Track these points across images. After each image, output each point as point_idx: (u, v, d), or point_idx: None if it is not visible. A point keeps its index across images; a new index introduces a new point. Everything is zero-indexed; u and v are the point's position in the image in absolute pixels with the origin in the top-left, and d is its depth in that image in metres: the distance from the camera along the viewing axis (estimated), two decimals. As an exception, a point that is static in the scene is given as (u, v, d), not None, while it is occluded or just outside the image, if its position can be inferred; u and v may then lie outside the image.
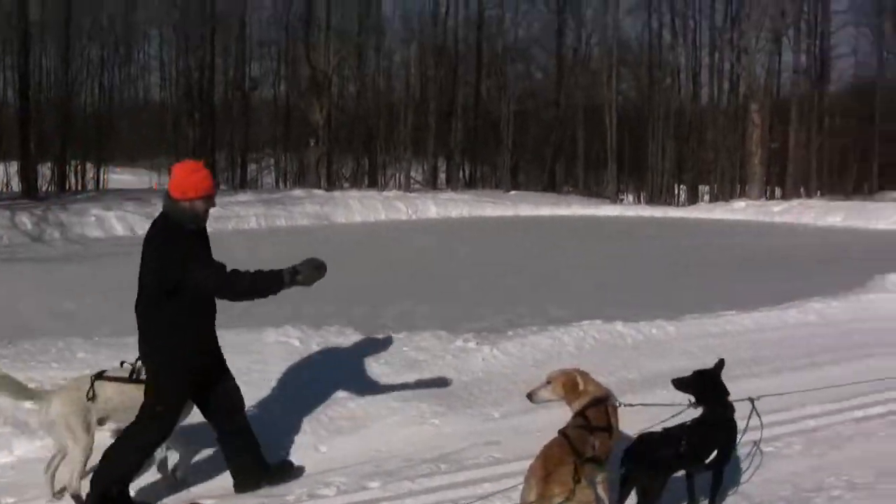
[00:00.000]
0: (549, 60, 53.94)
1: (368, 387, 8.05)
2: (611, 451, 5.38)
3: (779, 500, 6.01)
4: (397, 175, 48.64)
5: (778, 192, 48.68)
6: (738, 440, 5.81)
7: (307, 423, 6.74)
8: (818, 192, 47.92)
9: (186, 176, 5.80)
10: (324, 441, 7.17)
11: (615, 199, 46.93)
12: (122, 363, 6.21)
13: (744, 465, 6.55)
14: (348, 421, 7.42)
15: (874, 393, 8.51)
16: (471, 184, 49.52)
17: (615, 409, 5.71)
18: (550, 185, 49.85)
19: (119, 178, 45.91)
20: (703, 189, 49.65)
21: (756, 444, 6.65)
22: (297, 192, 36.40)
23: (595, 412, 5.44)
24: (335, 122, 45.48)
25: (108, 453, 5.79)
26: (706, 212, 37.97)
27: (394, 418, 7.56)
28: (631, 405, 5.98)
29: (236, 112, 47.38)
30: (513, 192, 43.03)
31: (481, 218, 34.44)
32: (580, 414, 5.52)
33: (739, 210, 37.27)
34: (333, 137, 44.87)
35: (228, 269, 5.70)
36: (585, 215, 36.43)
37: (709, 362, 8.67)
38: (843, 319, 12.06)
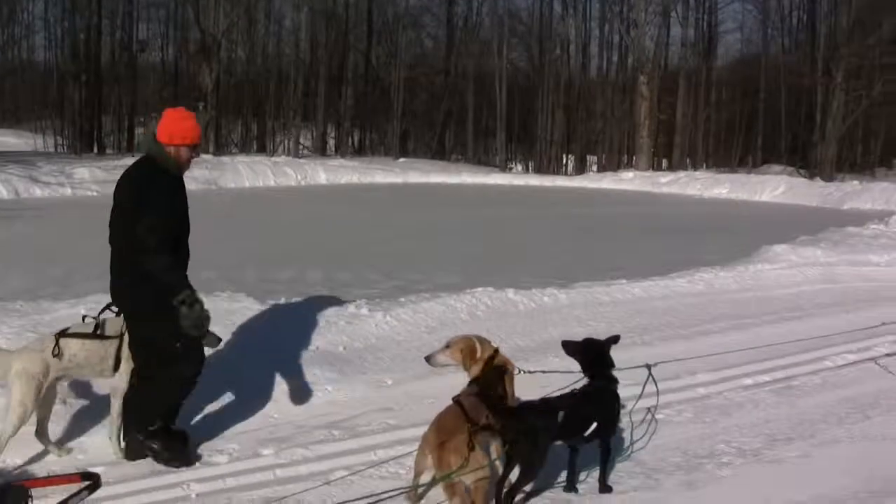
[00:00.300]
0: (440, 28, 53.96)
1: (261, 353, 7.91)
2: None
3: (670, 467, 6.10)
4: (286, 141, 48.23)
5: (665, 163, 49.66)
6: (620, 412, 5.84)
7: (198, 391, 6.60)
8: (704, 164, 49.08)
9: (176, 122, 5.93)
10: (215, 408, 7.03)
11: (504, 167, 47.26)
12: (83, 318, 6.14)
13: (637, 433, 6.63)
14: (240, 388, 7.28)
15: (762, 361, 8.75)
16: (360, 150, 49.24)
17: (511, 376, 5.74)
18: (440, 152, 49.90)
19: (1, 139, 44.49)
20: (592, 159, 50.32)
21: (651, 410, 6.78)
22: (186, 157, 35.67)
23: (488, 378, 5.53)
24: (224, 86, 44.91)
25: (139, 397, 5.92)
26: (594, 182, 38.47)
27: (286, 385, 7.45)
28: (530, 372, 6.01)
29: (123, 75, 46.22)
30: (402, 160, 42.85)
31: (371, 185, 34.29)
32: (475, 381, 5.52)
33: (627, 180, 37.85)
34: (222, 102, 44.24)
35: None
36: (475, 183, 36.52)
37: (600, 330, 8.90)
38: (731, 289, 12.34)
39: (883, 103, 47.91)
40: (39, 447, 6.05)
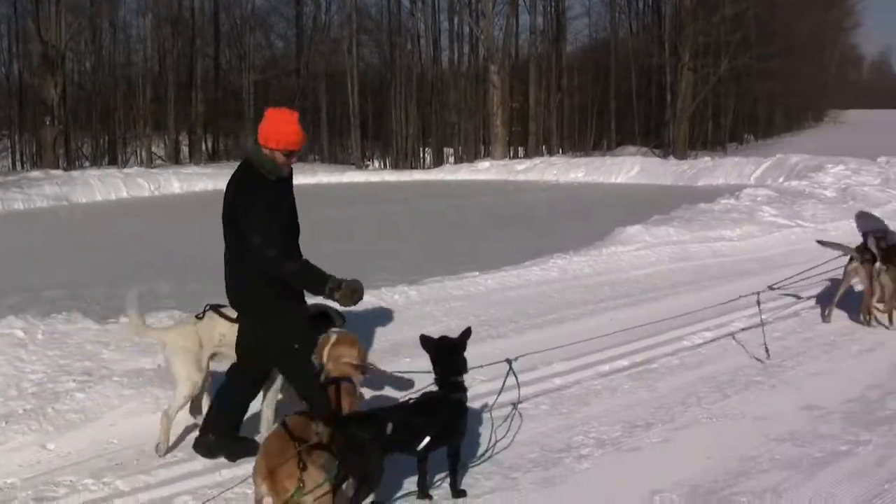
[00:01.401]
0: (289, 29, 53.34)
1: (99, 375, 7.47)
2: None
3: (528, 464, 5.97)
4: (138, 151, 47.18)
5: (521, 151, 50.23)
6: (463, 422, 5.58)
7: (33, 420, 6.17)
8: (560, 150, 49.80)
9: (276, 124, 5.88)
10: (52, 437, 6.54)
11: (361, 164, 47.00)
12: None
13: (490, 431, 6.44)
14: (78, 414, 6.84)
15: (618, 346, 8.73)
16: (214, 157, 48.36)
17: (349, 390, 5.54)
18: (295, 154, 49.28)
19: None
20: (448, 151, 50.51)
21: (515, 406, 6.64)
22: (35, 173, 34.51)
23: None
24: (71, 99, 43.46)
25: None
26: (451, 173, 38.56)
27: (127, 407, 7.04)
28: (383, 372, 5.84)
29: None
30: (256, 164, 42.13)
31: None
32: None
33: (484, 170, 38.06)
34: (70, 115, 42.65)
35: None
36: (331, 183, 36.21)
37: (453, 326, 8.77)
38: (584, 274, 12.35)
39: (730, 80, 49.48)
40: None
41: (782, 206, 17.62)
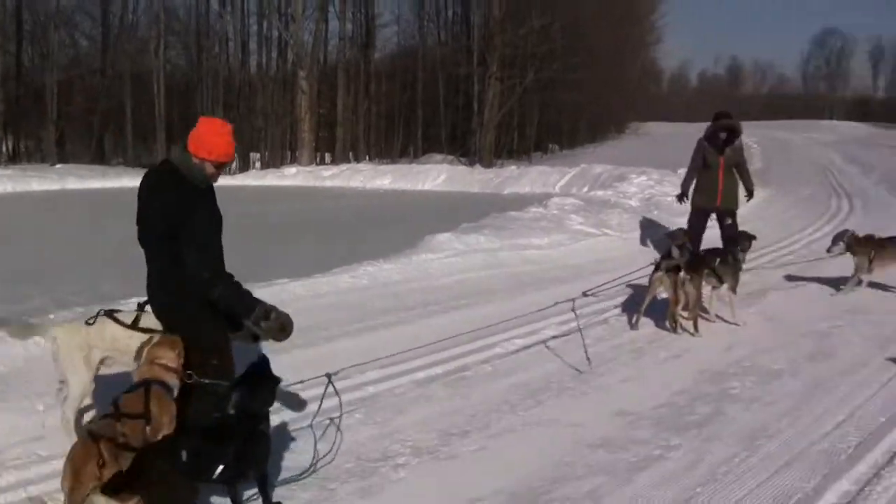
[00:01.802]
0: (95, 28, 51.41)
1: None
2: (159, 432, 5.20)
3: (344, 474, 5.89)
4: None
5: (328, 157, 50.10)
6: (265, 451, 5.33)
7: None
8: (367, 157, 49.91)
9: (210, 136, 5.66)
10: None
11: (167, 168, 45.86)
12: (139, 304, 6.19)
13: (306, 442, 6.34)
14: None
15: (432, 353, 8.70)
16: (15, 158, 46.20)
17: (159, 393, 5.32)
18: (99, 156, 47.70)
19: None
20: (255, 156, 49.96)
21: (335, 421, 6.58)
22: None
23: (129, 398, 5.20)
24: None
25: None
26: (258, 179, 38.02)
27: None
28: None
29: None
30: (59, 166, 40.53)
31: (26, 193, 32.01)
32: (114, 402, 5.17)
33: (290, 176, 37.70)
34: None
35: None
36: (134, 187, 34.86)
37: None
38: (395, 281, 12.31)
39: (536, 91, 50.61)
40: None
41: (589, 214, 18.06)
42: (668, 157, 34.69)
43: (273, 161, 47.47)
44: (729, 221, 12.78)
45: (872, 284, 11.94)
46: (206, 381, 5.56)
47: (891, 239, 11.76)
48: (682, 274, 9.60)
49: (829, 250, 11.87)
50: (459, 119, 52.33)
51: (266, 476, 5.33)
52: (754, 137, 59.51)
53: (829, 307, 11.13)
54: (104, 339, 6.08)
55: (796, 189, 28.62)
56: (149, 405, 5.18)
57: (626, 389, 7.83)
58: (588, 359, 8.48)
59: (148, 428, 5.13)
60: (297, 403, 7.03)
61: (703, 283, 9.94)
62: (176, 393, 5.51)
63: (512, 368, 8.48)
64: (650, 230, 16.85)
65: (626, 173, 26.66)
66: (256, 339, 6.16)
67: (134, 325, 6.07)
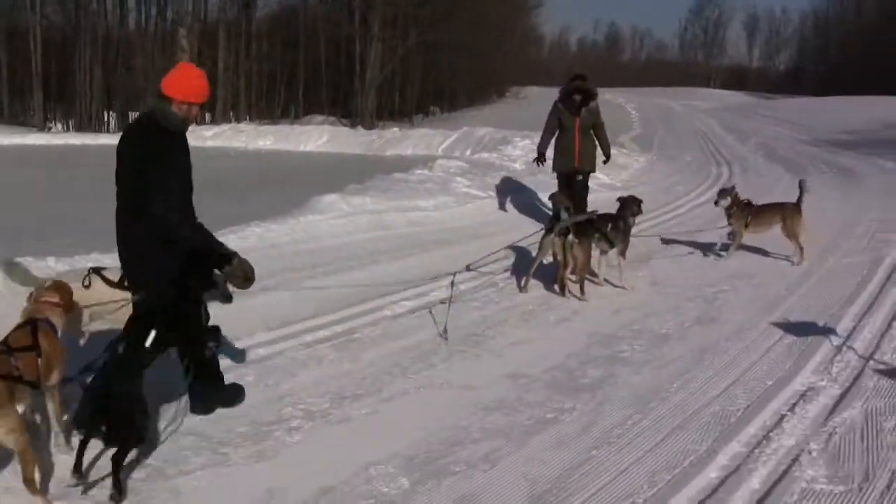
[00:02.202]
0: (-32, -19, 49.44)
1: None
2: (53, 369, 5.21)
3: (237, 438, 5.75)
4: None
5: (208, 116, 49.24)
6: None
7: None
8: (248, 117, 49.23)
9: (188, 78, 5.81)
10: None
11: (43, 127, 44.62)
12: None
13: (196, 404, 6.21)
14: None
15: (321, 315, 8.64)
16: None
17: (46, 329, 5.28)
18: (-27, 114, 46.04)
19: None
20: (134, 115, 48.85)
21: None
22: None
23: (15, 335, 5.15)
24: None
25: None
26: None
27: None
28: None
29: None
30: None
31: None
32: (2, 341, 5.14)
33: (168, 135, 36.90)
34: None
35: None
36: (11, 144, 33.89)
37: None
38: (283, 242, 12.10)
39: (418, 53, 50.54)
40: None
41: (474, 177, 18.08)
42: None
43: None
44: (580, 178, 13.00)
45: (754, 249, 12.24)
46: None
47: (765, 206, 12.08)
48: (570, 237, 9.64)
49: (716, 202, 12.08)
50: (341, 80, 51.97)
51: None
52: (633, 104, 60.70)
53: (715, 272, 11.34)
54: (92, 297, 6.11)
55: (678, 155, 29.27)
56: (37, 339, 5.14)
57: (518, 352, 7.83)
58: (444, 333, 8.36)
59: (40, 361, 5.08)
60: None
61: (593, 246, 10.00)
62: (60, 332, 5.48)
63: (402, 331, 8.40)
64: (530, 193, 16.99)
65: (509, 136, 26.74)
66: (228, 299, 6.17)
67: (120, 284, 6.15)
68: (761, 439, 5.88)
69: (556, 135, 13.28)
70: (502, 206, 16.14)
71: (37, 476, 4.70)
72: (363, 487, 5.14)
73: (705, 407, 6.46)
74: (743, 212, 11.89)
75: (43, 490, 4.83)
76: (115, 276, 6.23)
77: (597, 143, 13.23)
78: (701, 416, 6.29)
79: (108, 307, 6.12)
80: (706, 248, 12.45)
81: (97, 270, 6.28)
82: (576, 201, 11.60)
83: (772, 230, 12.00)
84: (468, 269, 9.75)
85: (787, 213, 11.93)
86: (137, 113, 47.05)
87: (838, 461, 5.57)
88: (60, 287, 5.65)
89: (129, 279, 5.99)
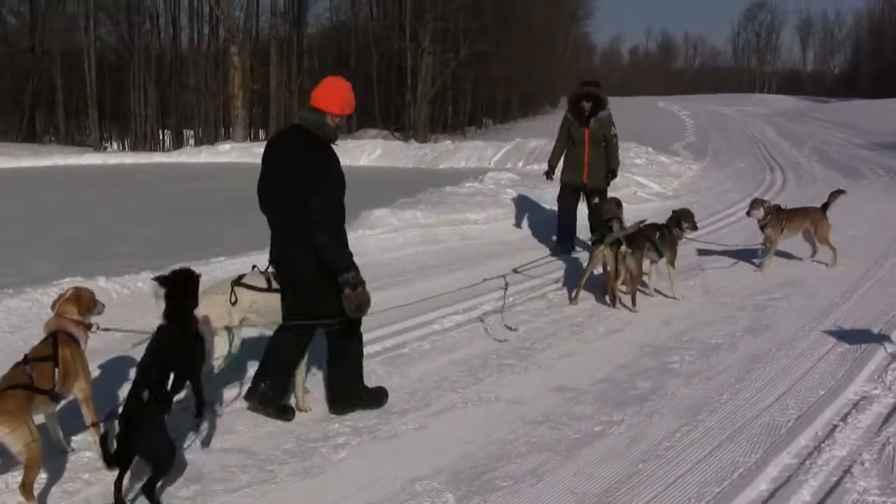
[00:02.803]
0: (23, 4, 50.35)
1: None
2: (69, 377, 5.36)
3: (284, 455, 5.79)
4: None
5: (262, 133, 49.72)
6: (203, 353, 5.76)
7: None
8: (300, 133, 49.58)
9: (340, 91, 6.24)
10: None
11: (99, 146, 45.36)
12: (253, 267, 6.66)
13: (241, 421, 6.30)
14: None
15: (369, 331, 8.46)
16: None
17: (67, 340, 5.46)
18: (30, 135, 46.94)
19: None
20: (188, 133, 49.51)
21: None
22: None
23: (37, 347, 5.36)
24: None
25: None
26: (192, 156, 37.44)
27: None
28: (107, 329, 6.04)
29: None
30: (-10, 144, 39.73)
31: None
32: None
33: (224, 153, 37.14)
34: None
35: None
36: (68, 165, 34.42)
37: (198, 311, 8.43)
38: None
39: (469, 65, 50.61)
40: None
41: (525, 189, 18.04)
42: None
43: (207, 138, 47.04)
44: (596, 201, 12.33)
45: (805, 258, 12.11)
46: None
47: (795, 210, 11.93)
48: (623, 248, 9.59)
49: (749, 213, 11.85)
50: (393, 94, 52.21)
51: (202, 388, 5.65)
52: (687, 111, 60.25)
53: (765, 280, 11.21)
54: (242, 305, 6.48)
55: (730, 162, 29.00)
56: (56, 349, 5.30)
57: (567, 365, 7.80)
58: (511, 328, 8.46)
59: (57, 370, 5.24)
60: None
61: (644, 257, 9.93)
62: (84, 345, 5.64)
63: (450, 345, 8.40)
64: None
65: (560, 147, 26.63)
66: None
67: (269, 287, 6.53)
68: (812, 450, 5.80)
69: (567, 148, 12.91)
70: (553, 219, 16.06)
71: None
72: (409, 503, 5.14)
73: (755, 418, 6.38)
74: (777, 218, 11.66)
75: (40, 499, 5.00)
76: (256, 281, 6.54)
77: (605, 157, 12.59)
78: (751, 427, 6.21)
79: (264, 309, 6.53)
80: (751, 256, 12.28)
81: (238, 282, 6.53)
82: (590, 222, 11.78)
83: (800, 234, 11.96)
84: (515, 272, 9.68)
85: (816, 217, 11.85)
86: (188, 130, 47.89)
87: (892, 472, 5.47)
88: (79, 298, 5.74)
89: (286, 277, 6.42)
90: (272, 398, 6.37)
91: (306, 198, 5.94)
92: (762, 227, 11.69)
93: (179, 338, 5.47)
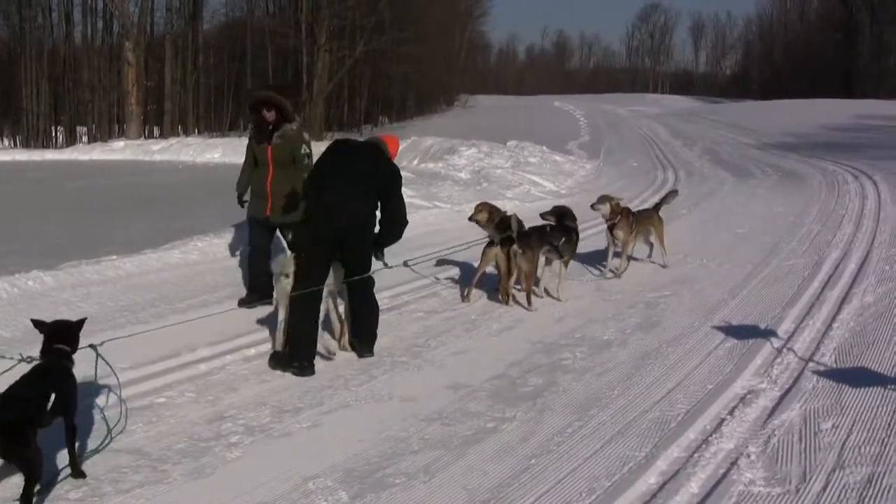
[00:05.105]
0: None
1: None
2: None
3: (176, 455, 5.70)
4: None
5: (157, 130, 48.92)
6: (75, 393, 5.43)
7: None
8: (196, 130, 48.93)
9: (398, 149, 8.70)
10: None
11: (-11, 143, 44.18)
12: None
13: (133, 421, 6.19)
14: None
15: (262, 330, 8.57)
16: None
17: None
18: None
19: None
20: (82, 130, 48.49)
21: (120, 398, 6.36)
22: None
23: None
24: None
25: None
26: (85, 153, 36.66)
27: None
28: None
29: None
30: None
31: None
32: None
33: (119, 150, 36.46)
34: None
35: None
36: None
37: (91, 311, 8.40)
38: (225, 256, 12.10)
39: (365, 63, 50.51)
40: None
41: (420, 187, 18.09)
42: (497, 130, 35.17)
43: (101, 135, 46.11)
44: (291, 237, 8.87)
45: (699, 255, 12.36)
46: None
47: (642, 212, 12.13)
48: (514, 247, 9.64)
49: (593, 206, 11.59)
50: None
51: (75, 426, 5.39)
52: (582, 111, 61.09)
53: (657, 277, 11.42)
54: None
55: (623, 161, 29.49)
56: None
57: (460, 362, 7.83)
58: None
59: None
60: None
61: (539, 257, 9.97)
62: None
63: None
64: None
65: (455, 146, 26.78)
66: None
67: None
68: (701, 443, 5.92)
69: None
70: (448, 216, 16.12)
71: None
72: (302, 502, 5.11)
73: (645, 413, 6.49)
74: (628, 220, 11.49)
75: None
76: None
77: (300, 183, 9.25)
78: (641, 422, 6.31)
79: None
80: (643, 253, 12.44)
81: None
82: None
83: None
84: (405, 265, 9.60)
85: (654, 218, 12.03)
86: (82, 127, 46.67)
87: (776, 463, 5.61)
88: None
89: (348, 237, 7.85)
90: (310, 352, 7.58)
91: (392, 202, 8.11)
92: (610, 228, 11.43)
93: (54, 370, 5.38)
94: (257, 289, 9.60)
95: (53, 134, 48.46)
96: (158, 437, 6.03)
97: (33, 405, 4.95)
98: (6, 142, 48.72)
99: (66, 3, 50.18)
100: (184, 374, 7.34)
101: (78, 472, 5.30)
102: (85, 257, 11.22)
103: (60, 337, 5.54)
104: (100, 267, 10.92)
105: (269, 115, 9.41)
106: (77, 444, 5.42)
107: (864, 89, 76.13)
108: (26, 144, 45.23)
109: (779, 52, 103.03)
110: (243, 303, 9.52)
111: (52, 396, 5.05)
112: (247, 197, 9.96)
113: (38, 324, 5.64)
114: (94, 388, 6.38)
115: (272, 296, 8.32)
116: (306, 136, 9.87)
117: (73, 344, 5.60)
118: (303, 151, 9.54)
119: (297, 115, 9.98)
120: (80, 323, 5.73)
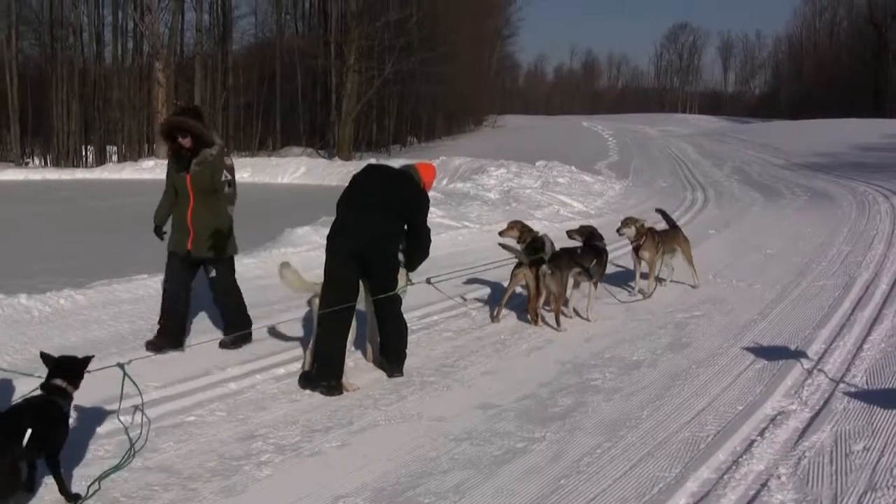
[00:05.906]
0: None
1: None
2: None
3: (207, 473, 5.73)
4: None
5: (187, 150, 49.22)
6: (65, 430, 5.37)
7: None
8: (225, 149, 49.18)
9: (433, 178, 8.88)
10: None
11: (20, 162, 44.53)
12: None
13: (164, 439, 6.24)
14: None
15: (292, 349, 8.62)
16: None
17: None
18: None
19: None
20: (112, 149, 48.90)
21: (143, 416, 6.44)
22: None
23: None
24: None
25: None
26: (115, 172, 37.08)
27: None
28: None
29: None
30: None
31: None
32: None
33: (148, 169, 36.82)
34: None
35: None
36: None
37: (122, 330, 8.41)
38: (256, 276, 12.12)
39: (394, 83, 50.69)
40: None
41: (449, 207, 18.13)
42: (525, 150, 35.20)
43: (130, 154, 46.51)
44: (213, 275, 9.10)
45: (728, 275, 12.31)
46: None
47: (664, 231, 12.06)
48: (544, 267, 9.65)
49: (619, 231, 11.60)
50: (318, 111, 52.07)
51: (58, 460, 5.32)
52: (610, 131, 61.00)
53: (687, 297, 11.40)
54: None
55: (653, 181, 29.42)
56: None
57: (490, 382, 7.84)
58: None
59: None
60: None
61: (570, 278, 9.99)
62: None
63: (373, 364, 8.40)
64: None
65: (484, 166, 26.86)
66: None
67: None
68: (731, 465, 5.90)
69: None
70: (477, 236, 16.15)
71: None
72: (331, 521, 5.14)
73: (675, 434, 6.48)
74: (653, 240, 11.48)
75: None
76: None
77: (226, 213, 9.16)
78: (671, 443, 6.30)
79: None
80: (679, 273, 12.44)
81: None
82: (215, 299, 9.21)
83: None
84: (428, 282, 9.62)
85: (679, 238, 12.08)
86: (111, 146, 47.03)
87: (807, 485, 5.58)
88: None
89: (365, 253, 7.82)
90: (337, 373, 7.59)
91: (417, 227, 8.15)
92: (636, 250, 11.46)
93: (41, 407, 5.30)
94: (169, 332, 8.69)
95: (84, 153, 48.83)
96: (189, 455, 6.07)
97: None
98: (37, 161, 49.12)
99: (96, 23, 50.80)
100: (214, 392, 7.38)
101: (70, 497, 5.28)
102: (115, 276, 11.33)
103: (61, 373, 5.48)
104: (131, 285, 11.02)
105: (186, 142, 8.63)
106: (64, 471, 5.35)
107: (893, 108, 75.77)
108: (57, 164, 45.61)
109: (808, 72, 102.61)
110: (151, 345, 8.49)
111: (28, 432, 4.99)
112: (166, 229, 9.18)
113: (45, 357, 5.58)
114: (121, 407, 6.43)
115: (182, 342, 8.53)
116: (229, 160, 9.10)
117: (75, 380, 5.52)
118: (223, 178, 8.84)
119: (218, 138, 9.16)
120: (86, 360, 5.64)
